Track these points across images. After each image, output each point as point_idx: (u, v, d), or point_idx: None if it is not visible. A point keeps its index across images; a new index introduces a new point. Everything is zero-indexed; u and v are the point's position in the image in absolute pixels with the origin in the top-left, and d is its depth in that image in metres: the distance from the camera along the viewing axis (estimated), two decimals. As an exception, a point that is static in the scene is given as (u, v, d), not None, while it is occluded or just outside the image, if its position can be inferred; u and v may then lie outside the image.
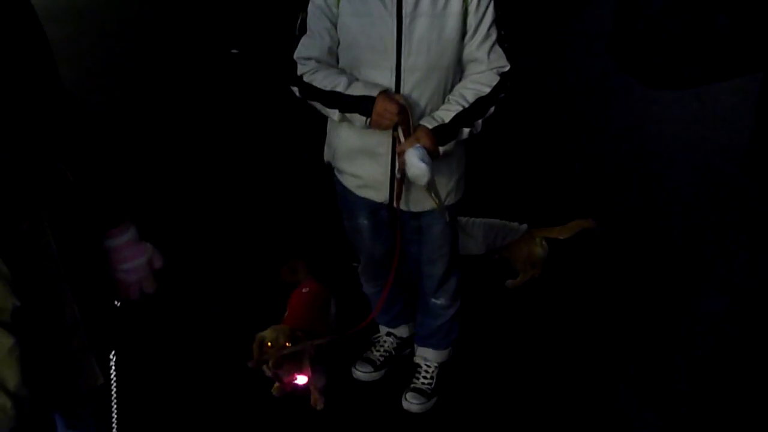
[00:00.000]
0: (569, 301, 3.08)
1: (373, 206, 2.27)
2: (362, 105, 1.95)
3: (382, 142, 2.10)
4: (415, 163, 1.91)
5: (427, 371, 2.58)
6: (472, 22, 1.99)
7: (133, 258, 1.40)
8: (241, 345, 2.35)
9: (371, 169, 2.15)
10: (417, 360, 2.63)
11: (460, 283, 2.48)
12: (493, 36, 2.02)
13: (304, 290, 2.46)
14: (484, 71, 2.04)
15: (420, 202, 2.19)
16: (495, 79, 2.04)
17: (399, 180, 2.10)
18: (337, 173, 2.29)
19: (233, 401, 2.50)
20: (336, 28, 2.01)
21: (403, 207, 2.19)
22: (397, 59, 1.97)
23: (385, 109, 1.93)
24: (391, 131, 2.03)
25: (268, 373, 2.26)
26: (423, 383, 2.56)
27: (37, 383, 1.13)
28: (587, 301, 3.08)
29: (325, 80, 2.00)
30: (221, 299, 3.05)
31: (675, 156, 4.39)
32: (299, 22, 2.06)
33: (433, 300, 2.47)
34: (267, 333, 2.21)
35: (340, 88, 1.97)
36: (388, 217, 2.31)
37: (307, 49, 2.03)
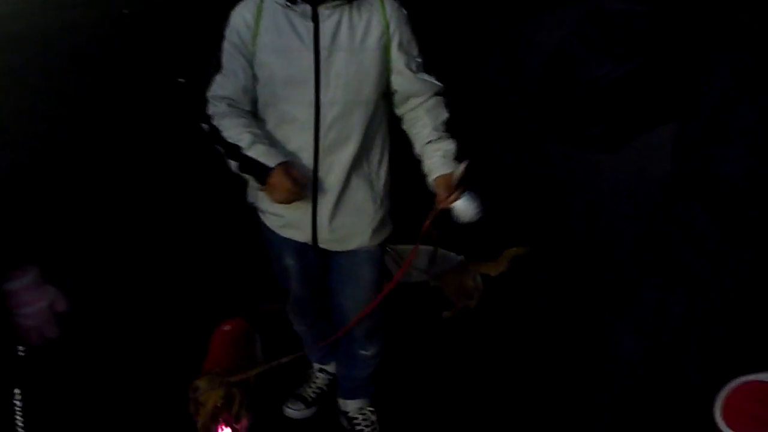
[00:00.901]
0: (500, 334, 3.09)
1: (297, 246, 2.19)
2: (257, 170, 1.90)
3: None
4: (473, 210, 1.95)
5: (365, 420, 2.53)
6: (397, 58, 1.97)
7: (33, 302, 1.36)
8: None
9: (291, 207, 2.04)
10: (351, 414, 2.55)
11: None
12: (421, 67, 2.02)
13: (225, 328, 2.39)
14: (427, 100, 2.06)
15: (350, 239, 2.14)
16: (441, 102, 2.07)
17: (433, 232, 2.12)
18: (260, 214, 2.22)
19: None
20: (252, 65, 1.95)
21: (330, 246, 2.15)
22: (315, 93, 1.91)
23: (279, 183, 1.87)
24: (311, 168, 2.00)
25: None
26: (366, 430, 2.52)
27: None
28: (518, 334, 3.10)
29: (230, 130, 1.93)
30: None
31: (616, 187, 4.45)
32: (214, 57, 1.98)
33: (362, 352, 2.40)
34: (202, 383, 2.10)
35: (242, 144, 1.91)
36: (316, 257, 2.24)
37: (221, 87, 1.96)
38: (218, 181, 4.27)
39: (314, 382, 2.69)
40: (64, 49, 7.33)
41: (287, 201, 1.92)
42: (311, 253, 2.21)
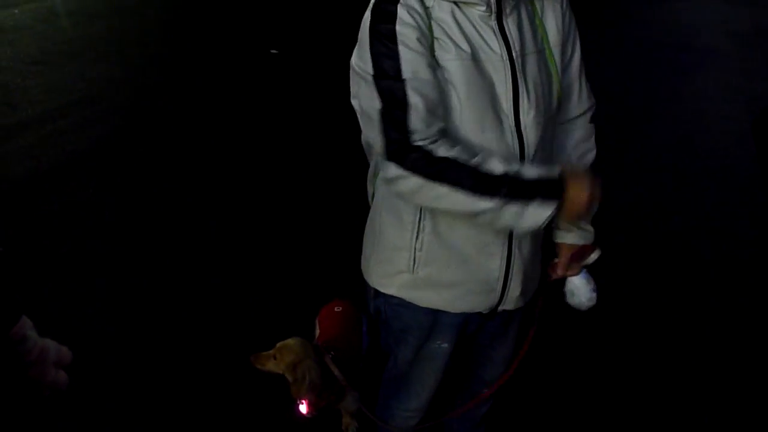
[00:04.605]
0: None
1: (464, 319, 1.69)
2: (545, 188, 1.33)
3: (498, 231, 1.51)
4: (589, 295, 1.70)
5: None
6: (562, 38, 1.51)
7: (39, 363, 1.31)
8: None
9: (482, 267, 1.55)
10: None
11: None
12: (581, 61, 1.59)
13: (336, 309, 2.36)
14: (577, 119, 1.64)
15: (531, 289, 1.71)
16: (592, 134, 1.66)
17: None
18: (406, 297, 1.64)
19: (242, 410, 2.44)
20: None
21: (515, 304, 1.66)
22: (515, 115, 1.43)
23: (579, 187, 1.34)
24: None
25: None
26: None
27: None
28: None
29: (463, 154, 1.34)
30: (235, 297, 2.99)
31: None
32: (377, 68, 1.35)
33: (486, 389, 2.01)
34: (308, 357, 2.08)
35: (499, 169, 1.33)
36: (476, 327, 1.77)
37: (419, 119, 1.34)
38: (320, 143, 4.38)
39: None
40: (157, 19, 7.45)
41: (590, 207, 1.38)
42: (474, 323, 1.73)
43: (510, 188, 1.31)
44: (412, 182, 1.34)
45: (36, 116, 4.80)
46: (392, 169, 1.35)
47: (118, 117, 4.92)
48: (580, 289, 1.72)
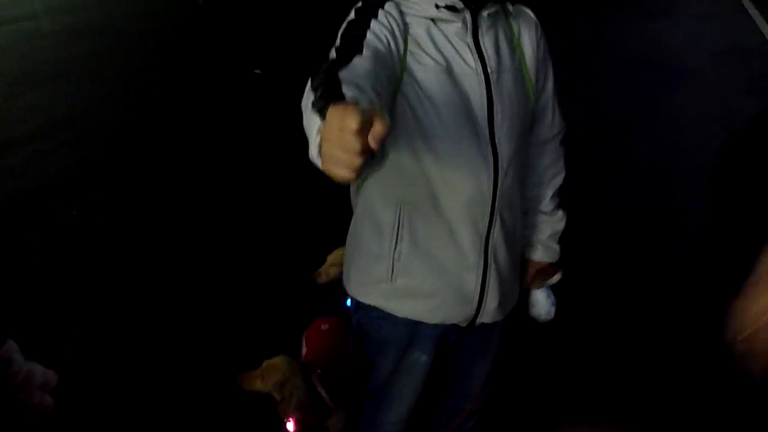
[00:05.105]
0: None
1: (443, 332, 1.69)
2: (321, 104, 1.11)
3: (474, 239, 1.53)
4: (547, 309, 1.82)
5: None
6: (536, 62, 1.55)
7: (25, 386, 1.31)
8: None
9: (458, 278, 1.57)
10: None
11: None
12: (554, 87, 1.63)
13: (322, 327, 2.37)
14: (549, 143, 1.69)
15: (510, 301, 1.73)
16: (561, 156, 1.73)
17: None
18: (384, 308, 1.65)
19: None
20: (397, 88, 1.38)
21: (493, 317, 1.67)
22: (489, 128, 1.44)
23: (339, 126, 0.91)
24: (484, 222, 1.51)
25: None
26: None
27: None
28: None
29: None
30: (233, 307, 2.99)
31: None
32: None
33: (470, 406, 2.05)
34: (294, 373, 2.10)
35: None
36: (455, 340, 1.77)
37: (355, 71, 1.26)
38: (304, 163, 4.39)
39: None
40: (140, 39, 7.46)
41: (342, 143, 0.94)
42: (453, 336, 1.74)
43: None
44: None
45: (19, 137, 4.79)
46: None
47: (102, 137, 4.92)
48: (540, 303, 1.84)
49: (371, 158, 0.98)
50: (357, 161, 0.91)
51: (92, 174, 4.34)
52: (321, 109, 1.09)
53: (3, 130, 4.87)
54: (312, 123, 1.11)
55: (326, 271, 2.42)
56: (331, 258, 2.44)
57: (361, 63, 1.27)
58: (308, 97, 1.17)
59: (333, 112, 0.93)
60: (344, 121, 0.90)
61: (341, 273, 2.35)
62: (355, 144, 0.89)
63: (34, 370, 1.20)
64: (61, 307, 3.06)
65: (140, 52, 7.01)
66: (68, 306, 3.07)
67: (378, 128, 0.90)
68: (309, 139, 1.12)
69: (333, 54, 1.34)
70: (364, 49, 1.31)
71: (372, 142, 0.90)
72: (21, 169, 4.32)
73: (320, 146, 0.99)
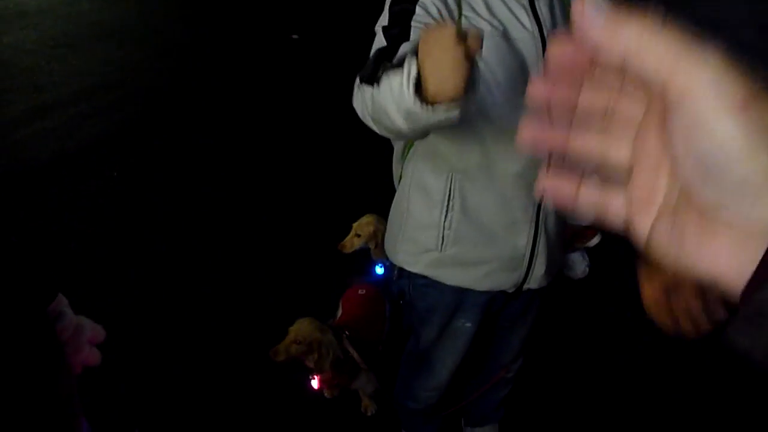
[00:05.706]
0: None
1: (489, 298, 1.69)
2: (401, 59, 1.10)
3: (527, 205, 1.54)
4: (582, 269, 1.93)
5: None
6: None
7: (73, 340, 1.33)
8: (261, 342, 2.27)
9: (509, 245, 1.57)
10: None
11: None
12: None
13: (360, 291, 2.39)
14: None
15: (555, 266, 1.73)
16: None
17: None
18: (433, 276, 1.65)
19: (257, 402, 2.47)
20: None
21: (539, 282, 1.67)
22: None
23: (439, 36, 1.00)
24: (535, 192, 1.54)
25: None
26: None
27: None
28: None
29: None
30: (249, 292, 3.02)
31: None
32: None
33: (506, 375, 2.11)
34: (325, 335, 2.12)
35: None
36: (499, 306, 1.78)
37: None
38: (342, 129, 4.38)
39: None
40: (179, 3, 7.47)
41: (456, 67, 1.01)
42: (498, 302, 1.74)
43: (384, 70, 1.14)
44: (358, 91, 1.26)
45: (60, 99, 4.85)
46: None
47: (142, 100, 4.96)
48: (576, 264, 1.94)
49: (470, 85, 1.02)
50: (464, 67, 0.98)
51: (133, 137, 4.39)
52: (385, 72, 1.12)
53: (45, 92, 4.94)
54: (389, 82, 1.10)
55: (350, 242, 2.43)
56: (356, 227, 2.45)
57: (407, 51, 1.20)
58: (364, 91, 1.21)
59: (428, 30, 1.01)
60: (443, 30, 0.98)
61: (366, 243, 2.42)
62: (458, 46, 0.96)
63: (84, 324, 1.24)
64: (101, 266, 3.13)
65: (179, 17, 7.02)
66: (109, 264, 3.14)
67: (473, 42, 0.97)
68: (390, 105, 1.11)
69: (380, 35, 1.34)
70: (411, 33, 1.28)
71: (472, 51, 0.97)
72: (63, 131, 4.38)
73: (417, 80, 1.03)
